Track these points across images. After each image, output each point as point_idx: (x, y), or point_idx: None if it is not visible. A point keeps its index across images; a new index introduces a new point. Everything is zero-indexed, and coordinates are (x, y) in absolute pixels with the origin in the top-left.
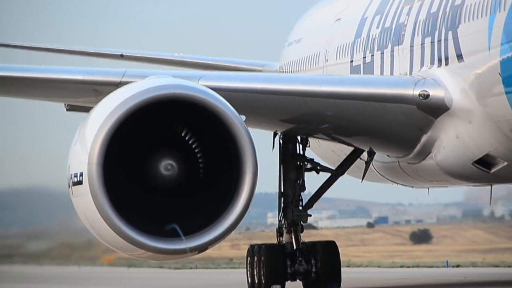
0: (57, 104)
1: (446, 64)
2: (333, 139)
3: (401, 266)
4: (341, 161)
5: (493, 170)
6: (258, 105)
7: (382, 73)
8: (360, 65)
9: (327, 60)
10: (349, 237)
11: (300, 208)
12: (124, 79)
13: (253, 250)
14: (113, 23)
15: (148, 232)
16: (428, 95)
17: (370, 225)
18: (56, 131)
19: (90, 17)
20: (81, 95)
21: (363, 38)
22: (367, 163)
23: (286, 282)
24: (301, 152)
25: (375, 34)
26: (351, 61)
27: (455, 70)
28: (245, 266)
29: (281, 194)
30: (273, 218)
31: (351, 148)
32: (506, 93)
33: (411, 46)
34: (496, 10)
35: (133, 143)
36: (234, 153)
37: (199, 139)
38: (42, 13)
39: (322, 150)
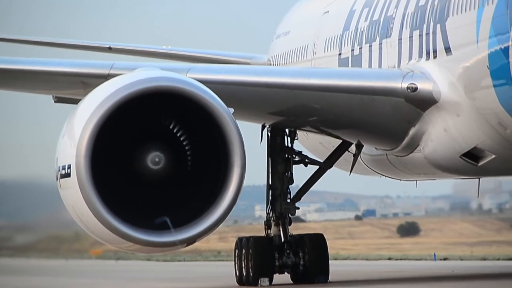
0: (44, 96)
1: (434, 57)
2: (321, 131)
3: (389, 259)
4: (329, 153)
5: (481, 163)
6: (246, 97)
7: (370, 66)
8: (348, 57)
9: (315, 53)
10: (337, 230)
11: (288, 201)
12: (112, 72)
13: (241, 243)
14: (101, 17)
15: (136, 225)
16: (416, 88)
17: (358, 218)
18: (44, 123)
19: (80, 10)
20: (69, 87)
21: (352, 31)
22: (355, 156)
23: (274, 275)
24: (289, 145)
25: (364, 27)
26: (339, 54)
27: (443, 63)
28: (233, 259)
29: (269, 187)
30: (261, 211)
31: (339, 141)
32: (494, 86)
33: (399, 39)
34: (484, 3)
35: (122, 135)
36: (222, 146)
37: (187, 132)
38: (34, 5)
39: (310, 143)
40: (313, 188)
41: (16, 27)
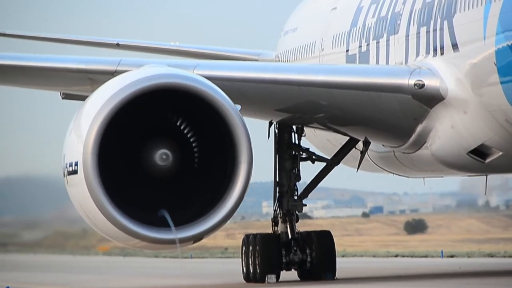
0: (52, 93)
1: (442, 53)
2: (329, 128)
3: (396, 256)
4: (336, 150)
5: (488, 160)
6: (253, 94)
7: (377, 62)
8: (355, 54)
9: (323, 49)
10: (344, 226)
11: (295, 197)
12: (119, 68)
13: (248, 240)
14: (109, 13)
15: (143, 222)
16: (423, 85)
17: (365, 215)
18: (51, 120)
19: (88, 7)
20: (76, 83)
21: (359, 27)
22: (362, 153)
23: (281, 272)
24: (297, 142)
25: (371, 23)
26: (347, 51)
27: (451, 60)
28: (240, 256)
29: (276, 184)
30: (268, 207)
31: (347, 138)
32: (501, 82)
33: (407, 36)
34: None
35: (129, 132)
36: (229, 142)
37: (194, 128)
38: (38, 1)
39: (318, 140)
40: (320, 185)
41: (22, 23)
